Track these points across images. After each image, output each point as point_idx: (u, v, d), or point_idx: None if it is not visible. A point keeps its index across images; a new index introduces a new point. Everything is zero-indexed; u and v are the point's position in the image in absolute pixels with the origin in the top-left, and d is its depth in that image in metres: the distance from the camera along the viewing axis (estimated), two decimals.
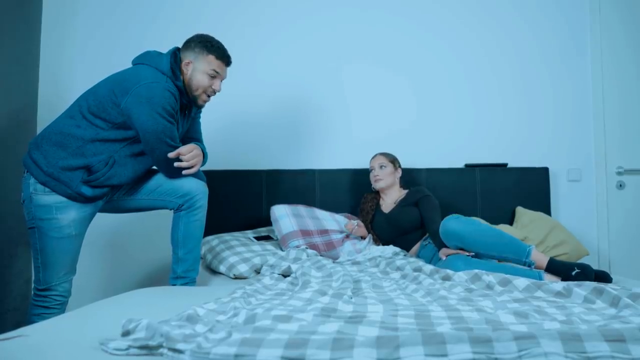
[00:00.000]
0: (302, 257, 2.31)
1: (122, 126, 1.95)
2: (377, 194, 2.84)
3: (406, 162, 2.94)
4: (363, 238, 2.72)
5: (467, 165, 3.16)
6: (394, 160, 2.79)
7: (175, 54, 2.07)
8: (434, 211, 2.60)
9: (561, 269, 2.07)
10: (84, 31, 3.13)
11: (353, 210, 2.97)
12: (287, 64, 3.17)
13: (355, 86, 3.20)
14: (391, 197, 2.79)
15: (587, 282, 1.71)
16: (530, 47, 3.26)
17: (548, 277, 2.05)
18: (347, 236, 2.68)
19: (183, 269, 2.11)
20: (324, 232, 2.63)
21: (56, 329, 1.18)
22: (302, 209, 2.74)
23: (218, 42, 2.11)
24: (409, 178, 2.98)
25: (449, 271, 1.97)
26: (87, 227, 2.06)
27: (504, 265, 2.13)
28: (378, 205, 2.80)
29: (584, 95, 3.24)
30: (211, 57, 2.07)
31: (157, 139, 1.93)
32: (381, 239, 2.72)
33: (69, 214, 1.94)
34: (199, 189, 2.12)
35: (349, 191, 3.05)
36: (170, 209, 2.15)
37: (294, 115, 3.17)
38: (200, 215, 2.14)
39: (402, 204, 2.71)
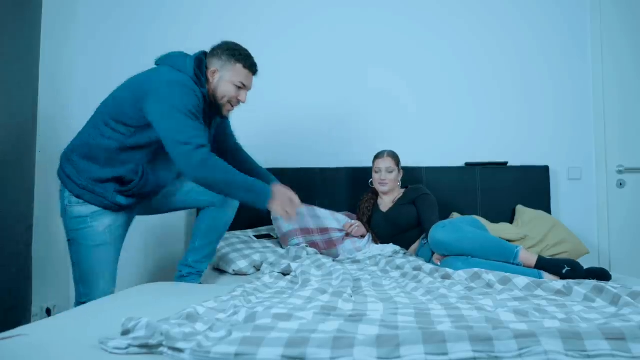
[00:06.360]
0: (302, 256, 2.31)
1: (145, 129, 1.86)
2: (375, 192, 2.84)
3: (406, 161, 2.94)
4: (362, 237, 2.72)
5: (467, 164, 3.16)
6: (399, 163, 2.78)
7: (201, 59, 1.96)
8: (431, 210, 2.60)
9: (551, 267, 2.07)
10: (84, 31, 3.14)
11: (353, 208, 2.97)
12: (287, 64, 3.16)
13: (354, 84, 3.20)
14: (390, 197, 2.78)
15: (587, 281, 1.71)
16: (531, 45, 3.25)
17: (548, 276, 2.05)
18: (347, 235, 2.68)
19: (194, 259, 2.09)
20: (324, 230, 2.62)
21: (56, 327, 1.18)
22: (302, 207, 2.74)
23: (245, 50, 2.01)
24: (409, 177, 2.98)
25: (449, 270, 1.97)
26: (124, 237, 2.03)
27: (503, 264, 2.12)
28: (376, 204, 2.80)
29: (584, 93, 3.24)
30: (239, 66, 1.97)
31: (176, 140, 1.77)
32: (379, 238, 2.72)
33: (104, 221, 1.92)
34: None
35: (349, 189, 3.05)
36: (202, 207, 2.12)
37: (293, 114, 3.17)
38: (230, 214, 2.13)
39: (400, 203, 2.71)
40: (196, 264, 2.11)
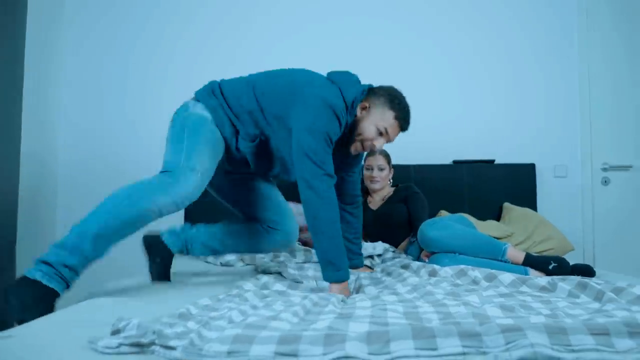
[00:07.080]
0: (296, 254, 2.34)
1: (276, 119, 1.83)
2: (365, 191, 2.85)
3: (395, 159, 2.96)
4: None
5: (455, 162, 3.19)
6: (390, 161, 2.80)
7: (364, 91, 1.90)
8: (421, 209, 2.62)
9: (538, 264, 2.10)
10: (78, 31, 3.12)
11: None
12: (285, 63, 3.17)
13: None
14: (380, 195, 2.80)
15: (572, 277, 1.74)
16: (519, 44, 3.29)
17: (534, 273, 2.08)
18: None
19: (203, 241, 2.01)
20: None
21: (44, 329, 1.16)
22: (293, 205, 2.74)
23: (407, 105, 1.91)
24: (398, 174, 2.99)
25: (436, 266, 1.99)
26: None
27: (490, 261, 2.15)
28: (366, 202, 2.81)
29: (571, 92, 3.28)
30: (390, 114, 1.86)
31: (309, 157, 1.71)
32: (369, 236, 2.73)
33: (218, 133, 1.83)
34: (291, 237, 2.07)
35: None
36: (256, 219, 2.06)
37: None
38: (268, 248, 2.09)
39: (390, 201, 2.72)
40: (202, 248, 2.02)
